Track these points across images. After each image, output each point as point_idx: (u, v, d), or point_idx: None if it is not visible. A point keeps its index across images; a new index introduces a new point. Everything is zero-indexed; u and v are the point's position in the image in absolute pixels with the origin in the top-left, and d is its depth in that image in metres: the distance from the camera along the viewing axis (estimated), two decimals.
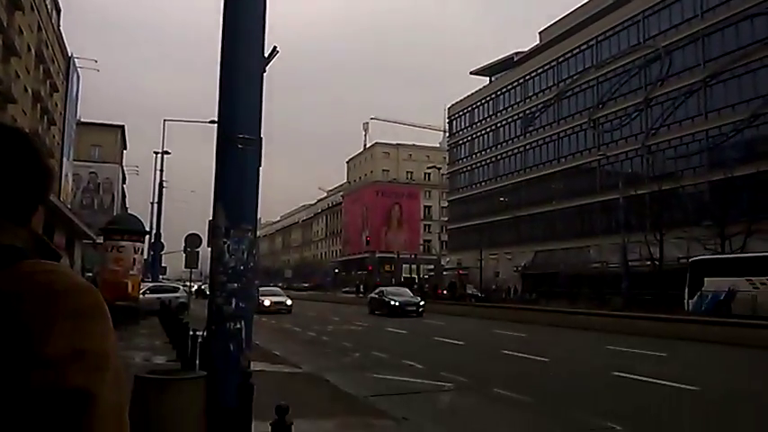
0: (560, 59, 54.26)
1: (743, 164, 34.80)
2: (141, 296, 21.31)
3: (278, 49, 6.68)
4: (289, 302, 32.24)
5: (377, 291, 34.38)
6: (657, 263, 35.02)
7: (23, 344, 0.83)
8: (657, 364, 13.11)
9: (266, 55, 6.52)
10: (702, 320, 21.72)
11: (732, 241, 31.77)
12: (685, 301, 27.92)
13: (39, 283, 0.88)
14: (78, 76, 50.63)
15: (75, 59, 48.60)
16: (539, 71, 57.03)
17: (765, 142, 35.89)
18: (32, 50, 35.72)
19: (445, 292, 49.93)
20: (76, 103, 51.93)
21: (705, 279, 27.01)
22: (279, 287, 50.02)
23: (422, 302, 31.04)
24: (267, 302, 30.37)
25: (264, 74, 6.49)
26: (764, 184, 33.58)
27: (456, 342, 17.24)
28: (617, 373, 11.26)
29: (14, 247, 0.92)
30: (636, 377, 10.87)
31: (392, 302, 30.03)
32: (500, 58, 65.06)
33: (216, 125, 6.35)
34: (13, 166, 0.96)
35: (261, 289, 31.84)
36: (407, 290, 35.68)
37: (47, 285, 0.88)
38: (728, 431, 7.54)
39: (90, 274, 38.73)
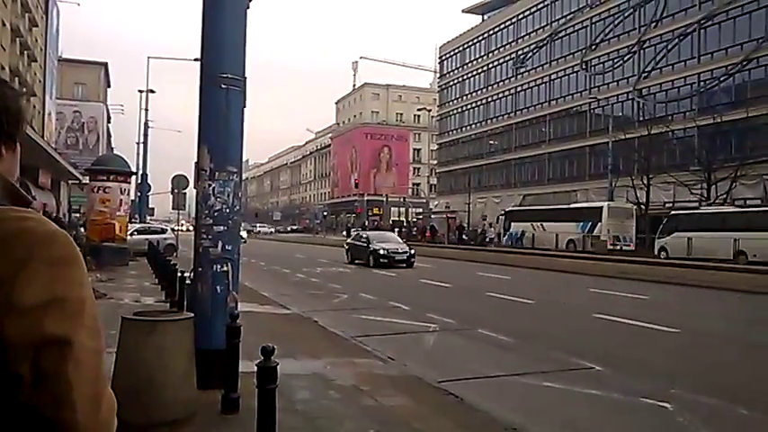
0: None
1: (732, 109, 34.72)
2: (129, 237, 21.27)
3: None
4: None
5: None
6: (644, 207, 35.34)
7: None
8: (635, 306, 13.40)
9: None
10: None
11: (718, 186, 32.01)
12: (502, 238, 40.75)
13: (12, 230, 0.86)
14: (58, 11, 48.99)
15: None
16: (532, 10, 55.76)
17: (756, 87, 35.72)
18: None
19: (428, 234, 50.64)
20: (57, 39, 50.41)
21: (512, 223, 40.09)
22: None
23: None
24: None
25: (248, 10, 6.30)
26: (752, 130, 33.64)
27: (443, 284, 17.48)
28: (597, 315, 11.51)
29: None
30: (614, 319, 11.12)
31: None
32: None
33: (199, 63, 6.21)
34: None
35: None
36: None
37: (21, 232, 0.86)
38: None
39: (77, 215, 38.59)
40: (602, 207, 33.85)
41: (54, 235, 0.89)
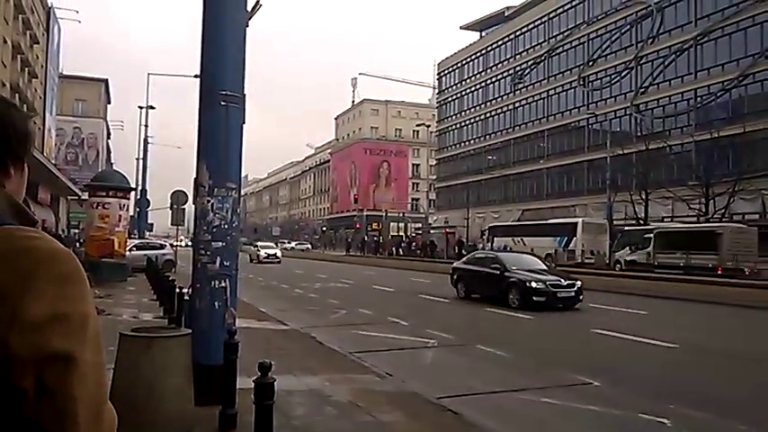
0: (552, 15, 53.51)
1: (729, 124, 34.90)
2: (128, 253, 21.25)
3: (261, 2, 6.55)
4: None
5: None
6: (642, 222, 35.39)
7: (4, 309, 0.85)
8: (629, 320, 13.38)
9: (249, 9, 6.39)
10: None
11: (716, 201, 32.06)
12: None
13: (20, 248, 0.89)
14: (59, 28, 49.30)
15: (56, 10, 47.25)
16: (530, 26, 56.27)
17: (752, 102, 35.98)
18: (11, 0, 34.63)
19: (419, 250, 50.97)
20: (58, 56, 50.69)
21: (495, 238, 40.82)
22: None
23: None
24: None
25: (248, 28, 6.37)
26: (749, 145, 33.78)
27: (441, 300, 17.45)
28: (595, 330, 11.49)
29: None
30: (613, 334, 11.10)
31: None
32: (491, 12, 64.06)
33: (199, 80, 6.27)
34: None
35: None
36: None
37: (28, 250, 0.89)
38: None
39: (76, 231, 38.60)
40: (576, 223, 35.93)
41: (59, 253, 0.92)
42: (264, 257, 39.52)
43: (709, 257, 25.46)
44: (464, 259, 19.82)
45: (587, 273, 26.43)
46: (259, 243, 46.18)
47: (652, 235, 29.12)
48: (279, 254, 41.56)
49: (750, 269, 24.76)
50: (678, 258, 26.99)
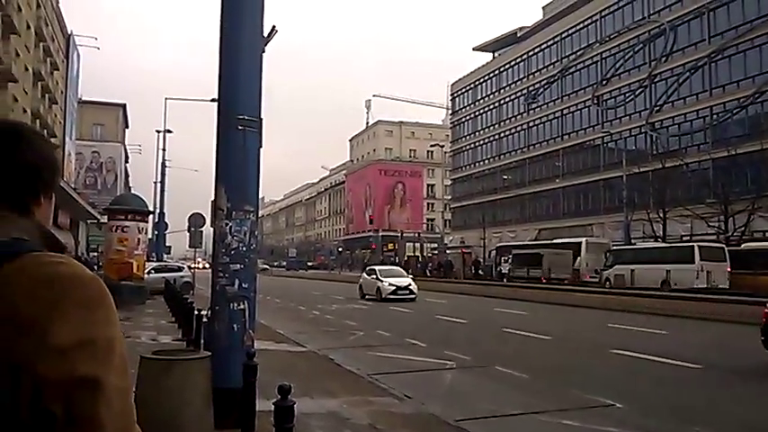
0: (564, 35, 53.69)
1: (746, 141, 34.60)
2: (146, 275, 21.41)
3: (277, 28, 6.66)
4: None
5: None
6: (661, 240, 35.03)
7: (32, 335, 0.86)
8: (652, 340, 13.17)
9: (266, 35, 6.50)
10: None
11: (736, 219, 31.68)
12: (494, 271, 43.75)
13: (46, 274, 0.91)
14: (78, 55, 50.37)
15: (75, 37, 48.31)
16: (542, 47, 56.46)
17: None
18: (32, 28, 35.47)
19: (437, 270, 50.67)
20: (77, 82, 51.72)
21: (502, 258, 42.55)
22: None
23: None
24: None
25: (264, 54, 6.47)
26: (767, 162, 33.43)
27: (458, 320, 17.34)
28: (615, 351, 11.34)
29: (20, 239, 0.95)
30: (633, 354, 10.94)
31: None
32: (503, 33, 64.42)
33: (216, 104, 6.37)
34: (3, 156, 1.00)
35: None
36: None
37: (54, 276, 0.91)
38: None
39: (95, 254, 38.98)
40: (581, 242, 36.20)
41: (84, 277, 0.94)
42: (390, 293, 25.20)
43: (538, 271, 34.96)
44: None
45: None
46: (378, 268, 29.28)
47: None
48: (414, 286, 26.48)
49: (568, 280, 32.94)
50: (524, 272, 36.31)
